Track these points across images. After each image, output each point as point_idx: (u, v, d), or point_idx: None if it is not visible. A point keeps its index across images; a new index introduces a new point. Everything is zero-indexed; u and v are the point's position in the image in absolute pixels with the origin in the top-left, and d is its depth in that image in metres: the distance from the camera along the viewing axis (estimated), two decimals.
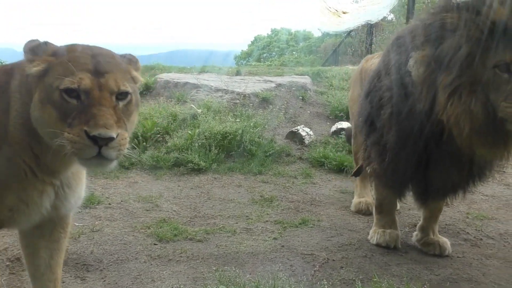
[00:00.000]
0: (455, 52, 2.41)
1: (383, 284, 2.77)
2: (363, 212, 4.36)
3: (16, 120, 1.91)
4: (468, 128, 2.43)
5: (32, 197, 1.98)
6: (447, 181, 3.01)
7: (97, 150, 1.70)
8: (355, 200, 4.51)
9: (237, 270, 2.90)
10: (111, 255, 3.24)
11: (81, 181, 2.20)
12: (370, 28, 14.36)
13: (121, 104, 1.82)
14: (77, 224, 3.70)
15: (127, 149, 1.83)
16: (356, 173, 4.08)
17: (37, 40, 1.89)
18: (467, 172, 2.95)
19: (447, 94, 2.46)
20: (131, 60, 2.06)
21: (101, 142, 1.69)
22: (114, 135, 1.69)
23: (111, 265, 3.10)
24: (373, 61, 4.18)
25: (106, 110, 1.72)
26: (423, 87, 2.62)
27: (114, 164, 1.91)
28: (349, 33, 17.48)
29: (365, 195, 4.49)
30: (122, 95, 1.83)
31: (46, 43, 1.88)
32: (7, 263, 3.03)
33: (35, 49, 1.85)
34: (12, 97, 1.92)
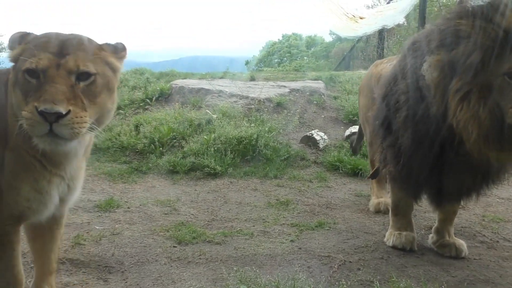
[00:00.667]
0: (467, 58, 2.44)
1: (401, 285, 2.80)
2: (382, 212, 4.39)
3: (12, 112, 1.98)
4: (476, 133, 2.46)
5: (44, 186, 2.06)
6: (461, 184, 3.03)
7: (48, 126, 1.70)
8: (374, 200, 4.54)
9: (257, 271, 2.96)
10: (132, 257, 3.30)
11: (81, 178, 2.28)
12: (382, 33, 14.32)
13: (82, 84, 1.83)
14: (97, 228, 3.79)
15: (91, 129, 1.84)
16: (373, 176, 4.11)
17: (21, 31, 1.96)
18: (480, 175, 2.97)
19: (457, 99, 2.49)
20: (115, 47, 2.09)
21: (50, 118, 1.68)
22: (62, 111, 1.68)
23: (132, 267, 3.15)
24: (382, 66, 4.20)
25: (58, 86, 1.73)
26: (436, 91, 2.65)
27: (69, 144, 1.88)
28: (361, 37, 17.44)
29: (382, 195, 4.53)
30: (83, 75, 1.84)
31: (27, 33, 1.96)
32: (32, 265, 3.11)
33: (17, 39, 1.93)
34: (9, 92, 1.99)
